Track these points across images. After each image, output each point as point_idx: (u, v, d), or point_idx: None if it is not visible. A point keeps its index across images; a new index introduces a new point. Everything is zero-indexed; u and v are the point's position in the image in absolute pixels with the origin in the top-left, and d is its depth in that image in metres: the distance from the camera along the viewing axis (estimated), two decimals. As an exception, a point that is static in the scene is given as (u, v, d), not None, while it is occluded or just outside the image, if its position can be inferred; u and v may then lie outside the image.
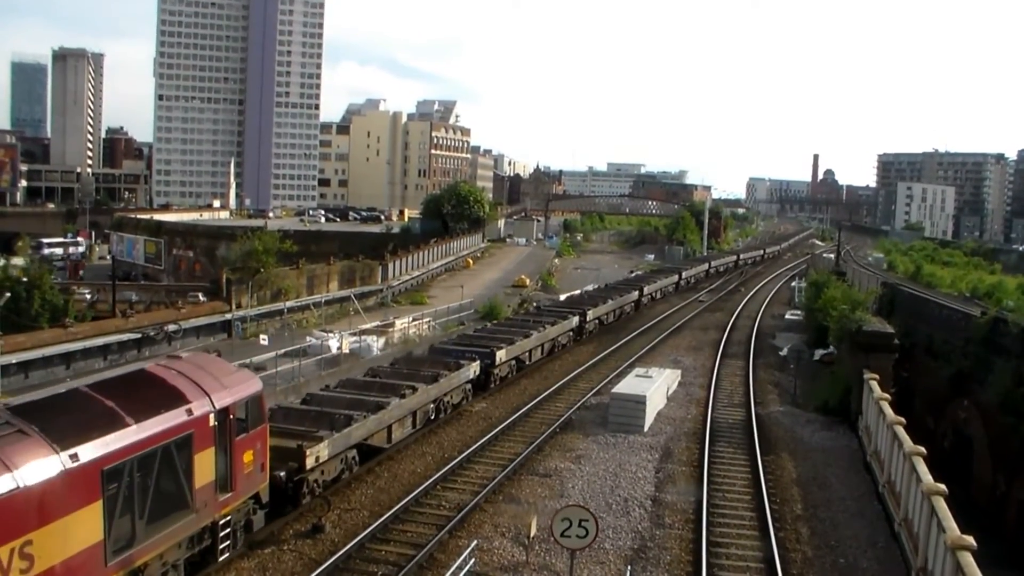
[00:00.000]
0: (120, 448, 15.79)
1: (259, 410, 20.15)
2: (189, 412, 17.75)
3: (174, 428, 17.30)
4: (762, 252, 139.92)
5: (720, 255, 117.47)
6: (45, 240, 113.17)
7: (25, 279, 45.13)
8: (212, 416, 18.34)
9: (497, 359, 37.88)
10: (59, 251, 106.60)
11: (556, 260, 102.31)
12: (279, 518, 22.61)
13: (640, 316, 65.04)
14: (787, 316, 70.70)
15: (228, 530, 19.50)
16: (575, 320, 50.69)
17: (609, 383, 39.63)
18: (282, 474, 22.05)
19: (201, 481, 18.10)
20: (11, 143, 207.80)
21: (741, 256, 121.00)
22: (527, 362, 42.30)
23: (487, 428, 32.41)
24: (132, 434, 16.17)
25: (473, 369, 35.14)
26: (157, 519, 16.90)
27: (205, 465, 18.21)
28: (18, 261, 57.41)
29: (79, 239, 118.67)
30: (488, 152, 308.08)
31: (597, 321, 55.37)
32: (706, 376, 44.72)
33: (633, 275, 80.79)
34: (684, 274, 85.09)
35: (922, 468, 21.65)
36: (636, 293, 66.01)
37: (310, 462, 22.71)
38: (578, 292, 66.62)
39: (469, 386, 35.24)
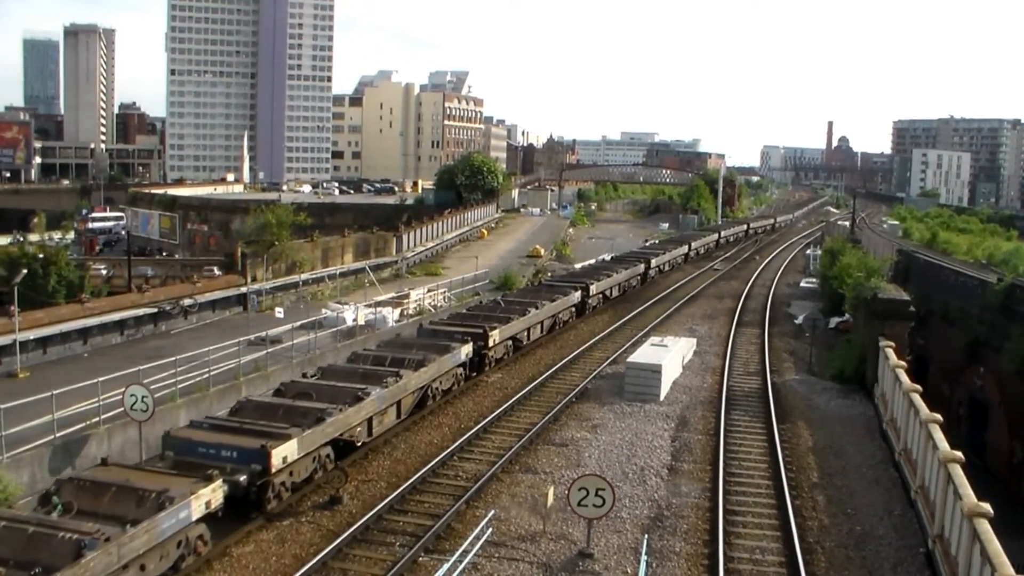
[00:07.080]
0: None
1: None
2: None
3: None
4: (745, 227, 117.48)
5: (702, 232, 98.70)
6: (91, 215, 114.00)
7: (42, 255, 45.17)
8: None
9: (274, 462, 20.90)
10: (106, 224, 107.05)
11: (570, 230, 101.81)
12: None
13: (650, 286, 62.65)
14: (802, 284, 70.60)
15: None
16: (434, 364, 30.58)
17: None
18: None
19: None
20: (24, 120, 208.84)
21: (723, 234, 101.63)
22: (368, 437, 25.99)
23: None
24: None
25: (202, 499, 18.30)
26: None
27: None
28: (34, 237, 57.40)
29: (121, 214, 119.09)
30: (501, 122, 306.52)
31: (494, 352, 36.76)
32: (721, 345, 44.73)
33: (569, 271, 63.70)
34: (654, 262, 67.45)
35: (938, 435, 21.63)
36: (579, 293, 48.01)
37: None
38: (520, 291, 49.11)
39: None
